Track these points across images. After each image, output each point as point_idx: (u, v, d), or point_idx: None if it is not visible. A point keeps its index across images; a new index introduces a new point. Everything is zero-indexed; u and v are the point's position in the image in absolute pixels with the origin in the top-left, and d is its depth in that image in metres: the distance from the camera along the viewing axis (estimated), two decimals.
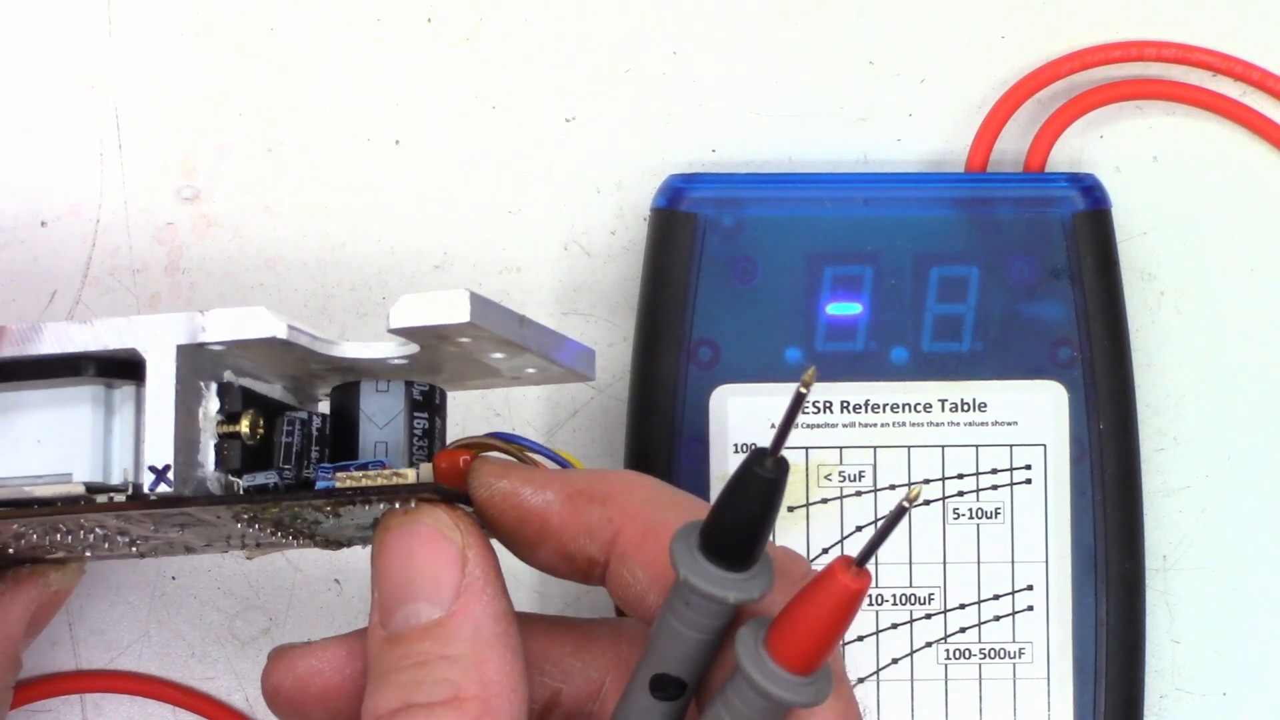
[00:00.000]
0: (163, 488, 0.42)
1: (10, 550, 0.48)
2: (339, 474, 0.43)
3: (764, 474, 0.39)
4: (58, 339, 0.43)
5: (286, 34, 0.61)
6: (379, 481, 0.43)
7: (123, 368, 0.44)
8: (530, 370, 0.45)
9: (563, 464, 0.46)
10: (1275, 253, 0.60)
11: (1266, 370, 0.60)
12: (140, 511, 0.43)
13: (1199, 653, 0.59)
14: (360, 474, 0.43)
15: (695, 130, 0.60)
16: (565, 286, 0.60)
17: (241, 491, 0.43)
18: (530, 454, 0.45)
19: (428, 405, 0.45)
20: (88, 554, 0.48)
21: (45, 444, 0.44)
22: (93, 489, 0.43)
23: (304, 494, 0.44)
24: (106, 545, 0.47)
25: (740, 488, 0.40)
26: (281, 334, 0.42)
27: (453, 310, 0.41)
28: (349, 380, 0.45)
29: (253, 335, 0.42)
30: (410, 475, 0.43)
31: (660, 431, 0.56)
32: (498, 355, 0.44)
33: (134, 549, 0.47)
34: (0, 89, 0.60)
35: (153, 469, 0.42)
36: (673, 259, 0.57)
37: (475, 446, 0.45)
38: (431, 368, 0.45)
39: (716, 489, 0.56)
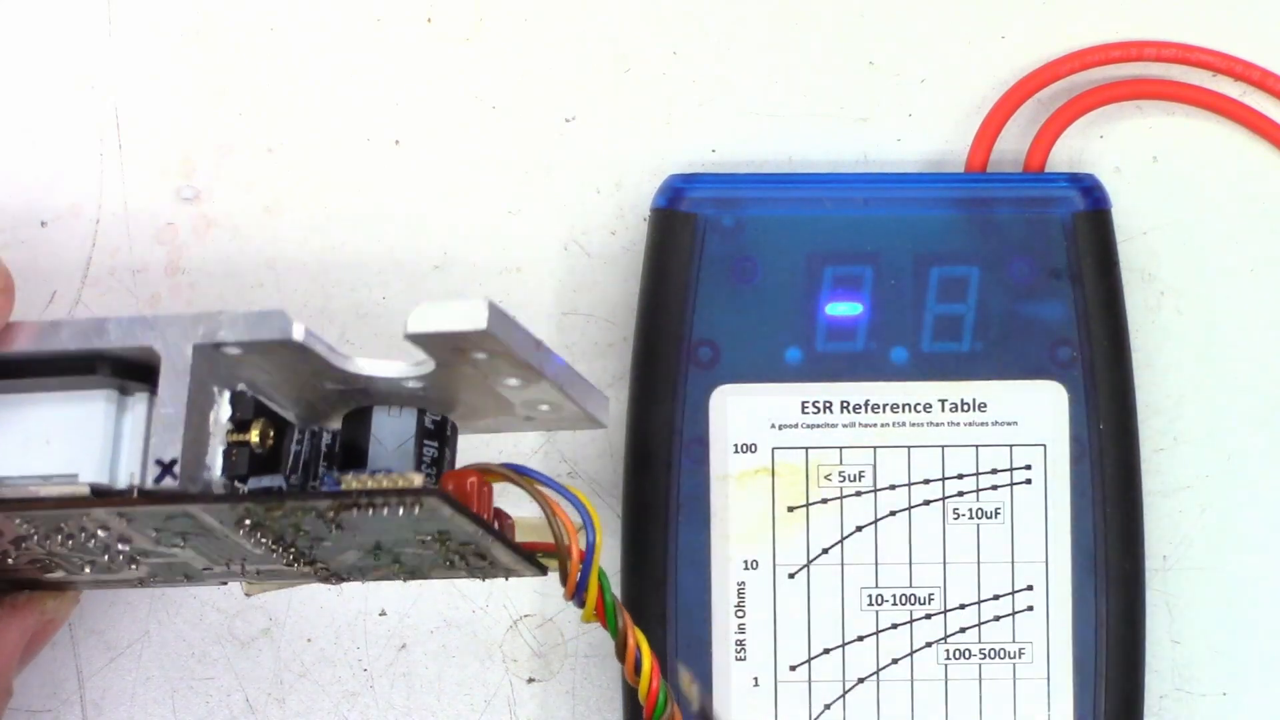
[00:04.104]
0: (168, 481, 0.42)
1: (10, 560, 0.48)
2: (345, 476, 0.43)
3: None
4: (76, 335, 0.44)
5: (286, 34, 0.61)
6: (385, 484, 0.42)
7: (137, 371, 0.44)
8: (544, 407, 0.45)
9: (574, 500, 0.45)
10: (1275, 253, 0.60)
11: (1266, 370, 0.59)
12: (144, 509, 0.43)
13: (1199, 653, 0.59)
14: (367, 477, 0.43)
15: (695, 130, 0.60)
16: (565, 287, 0.60)
17: (246, 493, 0.43)
18: (540, 488, 0.45)
19: (439, 434, 0.45)
20: (86, 570, 0.48)
21: (54, 444, 0.44)
22: (98, 491, 0.43)
23: (308, 494, 0.44)
24: (106, 557, 0.47)
25: None
26: (299, 337, 0.42)
27: (470, 318, 0.41)
28: (362, 405, 0.45)
29: (270, 337, 0.42)
30: (417, 480, 0.42)
31: (660, 431, 0.56)
32: (512, 382, 0.43)
33: (133, 567, 0.47)
34: (0, 89, 0.60)
35: (159, 462, 0.42)
36: (673, 259, 0.57)
37: (486, 474, 0.45)
38: (445, 397, 0.44)
39: (716, 489, 0.56)
